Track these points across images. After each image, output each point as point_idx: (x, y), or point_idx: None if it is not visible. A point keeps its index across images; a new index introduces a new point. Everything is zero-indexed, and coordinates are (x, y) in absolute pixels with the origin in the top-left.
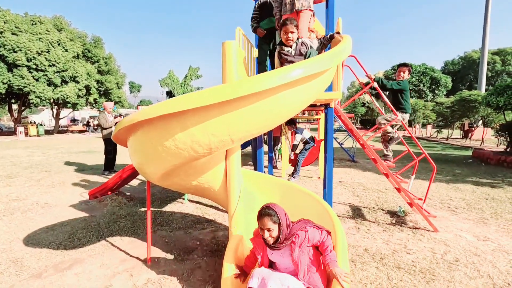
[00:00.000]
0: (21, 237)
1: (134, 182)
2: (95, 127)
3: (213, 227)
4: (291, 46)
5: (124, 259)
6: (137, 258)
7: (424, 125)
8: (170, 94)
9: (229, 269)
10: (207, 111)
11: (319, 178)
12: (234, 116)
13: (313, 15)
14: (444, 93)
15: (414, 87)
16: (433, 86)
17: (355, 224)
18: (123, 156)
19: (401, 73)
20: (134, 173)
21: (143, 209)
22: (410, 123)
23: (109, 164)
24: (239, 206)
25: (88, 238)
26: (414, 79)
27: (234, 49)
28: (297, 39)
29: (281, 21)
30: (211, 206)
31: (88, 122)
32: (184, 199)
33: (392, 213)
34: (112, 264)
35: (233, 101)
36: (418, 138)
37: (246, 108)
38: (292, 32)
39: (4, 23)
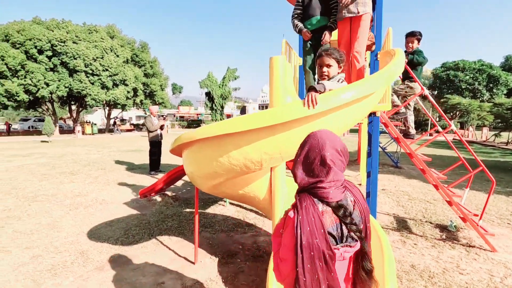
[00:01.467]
0: (85, 231)
1: (178, 183)
2: (142, 126)
3: (254, 231)
4: None
5: (173, 259)
6: (184, 258)
7: (479, 127)
8: (208, 95)
9: (274, 281)
10: (259, 133)
11: (360, 184)
12: (284, 136)
13: (371, 20)
14: (504, 92)
15: (467, 86)
16: (491, 85)
17: (400, 237)
18: (167, 156)
19: (410, 44)
20: (180, 175)
21: (187, 210)
22: (462, 126)
23: (155, 164)
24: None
25: (141, 235)
26: (468, 77)
27: (281, 64)
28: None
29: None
30: (251, 210)
31: (114, 122)
32: (225, 202)
33: (442, 228)
34: (163, 262)
35: (283, 124)
36: (472, 142)
37: (296, 129)
38: (328, 66)
39: (67, 33)
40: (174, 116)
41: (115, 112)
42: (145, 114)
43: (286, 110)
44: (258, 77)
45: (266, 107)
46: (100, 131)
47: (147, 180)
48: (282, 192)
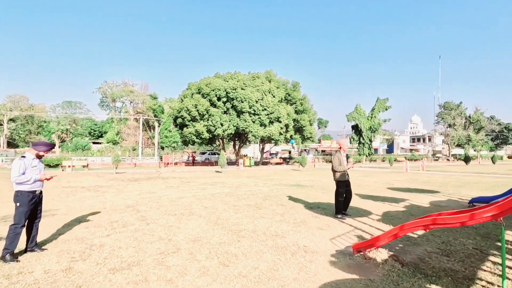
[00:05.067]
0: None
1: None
2: (288, 160)
3: None
4: None
5: None
6: None
7: None
8: (356, 128)
9: None
10: None
11: None
12: None
13: None
14: None
15: None
16: None
17: None
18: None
19: None
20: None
21: (433, 286)
22: None
23: (341, 206)
24: None
25: None
26: None
27: None
28: None
29: None
30: None
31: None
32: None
33: None
34: None
35: None
36: None
37: None
38: None
39: (237, 82)
40: (316, 150)
41: (267, 146)
42: (292, 148)
43: None
44: (404, 106)
45: (418, 140)
46: (255, 163)
47: (337, 225)
48: None
